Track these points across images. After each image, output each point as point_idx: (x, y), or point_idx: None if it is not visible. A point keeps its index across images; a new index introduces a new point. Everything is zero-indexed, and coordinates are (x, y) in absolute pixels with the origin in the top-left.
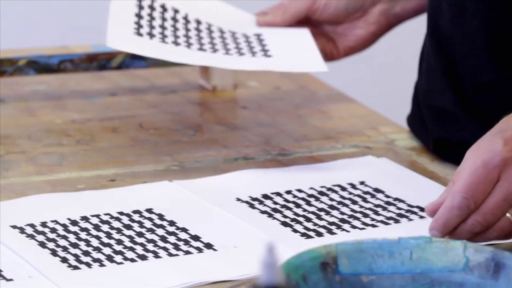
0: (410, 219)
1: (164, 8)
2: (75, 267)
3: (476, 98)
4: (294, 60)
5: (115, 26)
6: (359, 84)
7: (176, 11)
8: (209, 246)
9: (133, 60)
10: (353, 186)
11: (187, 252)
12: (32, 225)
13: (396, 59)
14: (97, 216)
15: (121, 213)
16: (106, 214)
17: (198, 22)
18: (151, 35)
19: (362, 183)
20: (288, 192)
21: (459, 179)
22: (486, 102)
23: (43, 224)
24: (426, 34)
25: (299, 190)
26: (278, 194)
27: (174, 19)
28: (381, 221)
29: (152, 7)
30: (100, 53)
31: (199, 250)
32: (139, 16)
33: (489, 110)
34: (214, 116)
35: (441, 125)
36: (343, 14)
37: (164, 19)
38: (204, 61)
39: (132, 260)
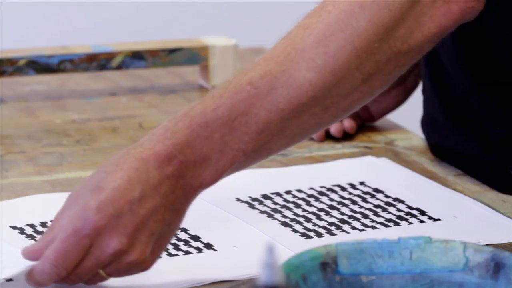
0: (410, 223)
1: None
2: None
3: (458, 107)
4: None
5: None
6: None
7: None
8: (209, 246)
9: (133, 60)
10: (353, 186)
11: (187, 252)
12: (32, 225)
13: None
14: None
15: None
16: None
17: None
18: None
19: (362, 183)
20: (288, 192)
21: (55, 233)
22: (467, 112)
23: (43, 224)
24: None
25: (299, 190)
26: (278, 194)
27: None
28: (381, 223)
29: None
30: (100, 53)
31: (199, 250)
32: None
33: (471, 119)
34: None
35: (432, 131)
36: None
37: None
38: None
39: None
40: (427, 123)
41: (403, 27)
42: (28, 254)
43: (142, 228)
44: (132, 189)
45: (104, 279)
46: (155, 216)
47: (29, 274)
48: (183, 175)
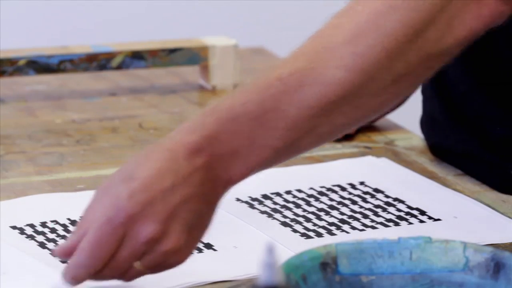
0: (410, 223)
1: None
2: None
3: (458, 107)
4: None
5: None
6: None
7: None
8: (209, 246)
9: (133, 60)
10: (353, 186)
11: None
12: (32, 225)
13: None
14: None
15: None
16: None
17: None
18: None
19: (362, 183)
20: (288, 192)
21: (86, 226)
22: (467, 112)
23: (43, 224)
24: None
25: (299, 190)
26: (278, 194)
27: None
28: (381, 223)
29: None
30: (100, 53)
31: (199, 250)
32: None
33: (471, 119)
34: None
35: (432, 131)
36: None
37: None
38: None
39: None
40: (427, 123)
41: (433, 29)
42: (61, 252)
43: (175, 217)
44: (163, 178)
45: (140, 273)
46: (187, 205)
47: (65, 270)
48: (212, 168)
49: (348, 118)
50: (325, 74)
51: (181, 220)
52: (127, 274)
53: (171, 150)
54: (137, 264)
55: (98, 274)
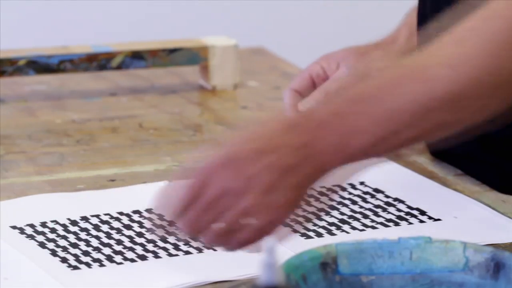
0: (410, 223)
1: None
2: (75, 267)
3: None
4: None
5: None
6: None
7: None
8: (209, 246)
9: (133, 60)
10: (353, 186)
11: (187, 252)
12: (32, 225)
13: None
14: (97, 216)
15: (121, 213)
16: (106, 214)
17: None
18: None
19: (362, 183)
20: None
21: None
22: None
23: (43, 224)
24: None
25: None
26: None
27: None
28: (381, 223)
29: None
30: (100, 53)
31: (199, 250)
32: None
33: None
34: (214, 116)
35: None
36: None
37: None
38: None
39: (132, 260)
40: None
41: None
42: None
43: (257, 178)
44: (256, 140)
45: (216, 236)
46: (271, 172)
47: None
48: (309, 146)
49: (448, 118)
50: (431, 72)
51: (262, 183)
52: (206, 233)
53: (267, 123)
54: (217, 225)
55: (177, 225)
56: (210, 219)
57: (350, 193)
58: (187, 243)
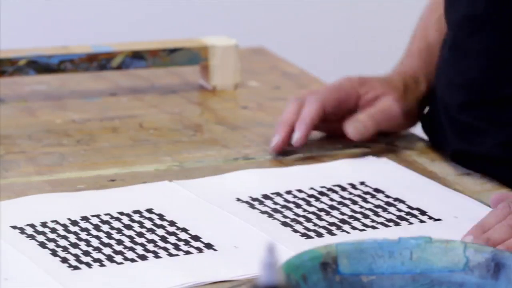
0: (411, 223)
1: None
2: (75, 267)
3: (500, 110)
4: None
5: None
6: None
7: None
8: (209, 246)
9: (133, 60)
10: (353, 186)
11: (187, 252)
12: (32, 225)
13: (397, 60)
14: (97, 216)
15: (121, 213)
16: (106, 214)
17: None
18: None
19: (362, 183)
20: (288, 192)
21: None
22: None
23: (43, 224)
24: (444, 47)
25: (299, 190)
26: (278, 194)
27: None
28: (381, 223)
29: None
30: (100, 53)
31: (199, 250)
32: None
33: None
34: (214, 116)
35: (462, 137)
36: None
37: None
38: None
39: (132, 260)
40: (452, 130)
41: None
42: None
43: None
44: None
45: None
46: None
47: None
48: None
49: None
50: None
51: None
52: None
53: None
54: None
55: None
56: None
57: (350, 193)
58: (187, 243)
